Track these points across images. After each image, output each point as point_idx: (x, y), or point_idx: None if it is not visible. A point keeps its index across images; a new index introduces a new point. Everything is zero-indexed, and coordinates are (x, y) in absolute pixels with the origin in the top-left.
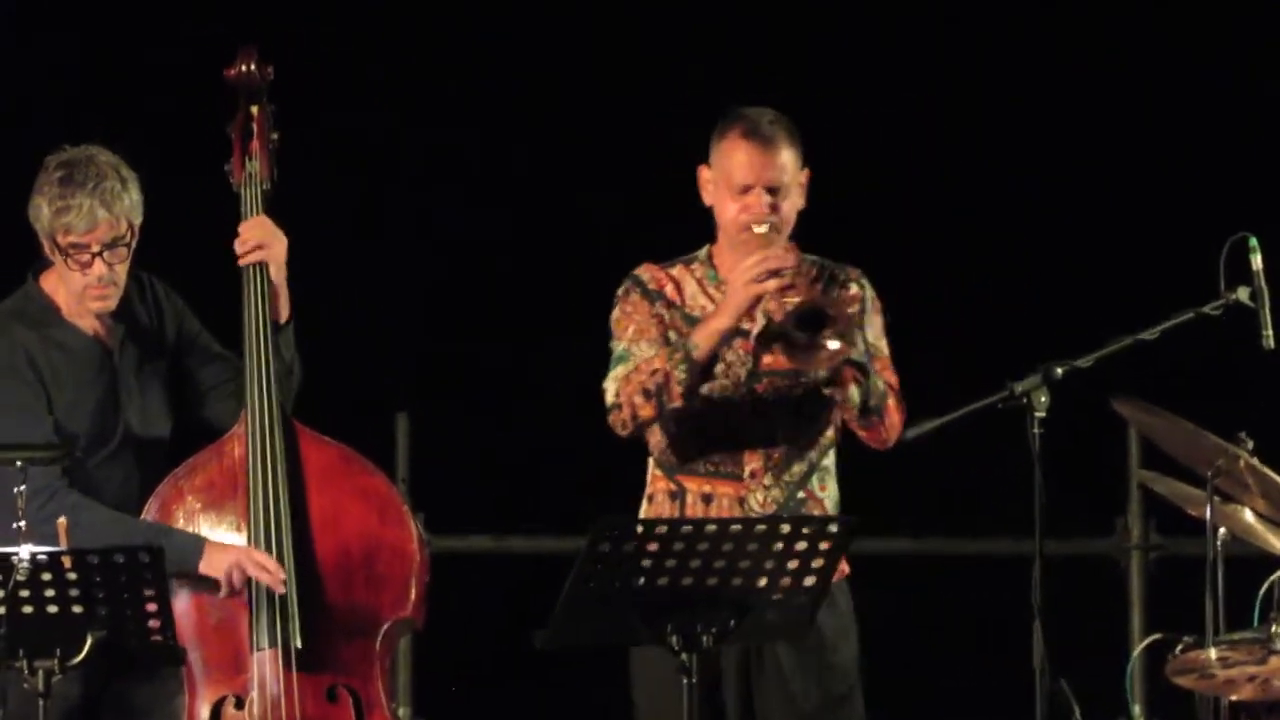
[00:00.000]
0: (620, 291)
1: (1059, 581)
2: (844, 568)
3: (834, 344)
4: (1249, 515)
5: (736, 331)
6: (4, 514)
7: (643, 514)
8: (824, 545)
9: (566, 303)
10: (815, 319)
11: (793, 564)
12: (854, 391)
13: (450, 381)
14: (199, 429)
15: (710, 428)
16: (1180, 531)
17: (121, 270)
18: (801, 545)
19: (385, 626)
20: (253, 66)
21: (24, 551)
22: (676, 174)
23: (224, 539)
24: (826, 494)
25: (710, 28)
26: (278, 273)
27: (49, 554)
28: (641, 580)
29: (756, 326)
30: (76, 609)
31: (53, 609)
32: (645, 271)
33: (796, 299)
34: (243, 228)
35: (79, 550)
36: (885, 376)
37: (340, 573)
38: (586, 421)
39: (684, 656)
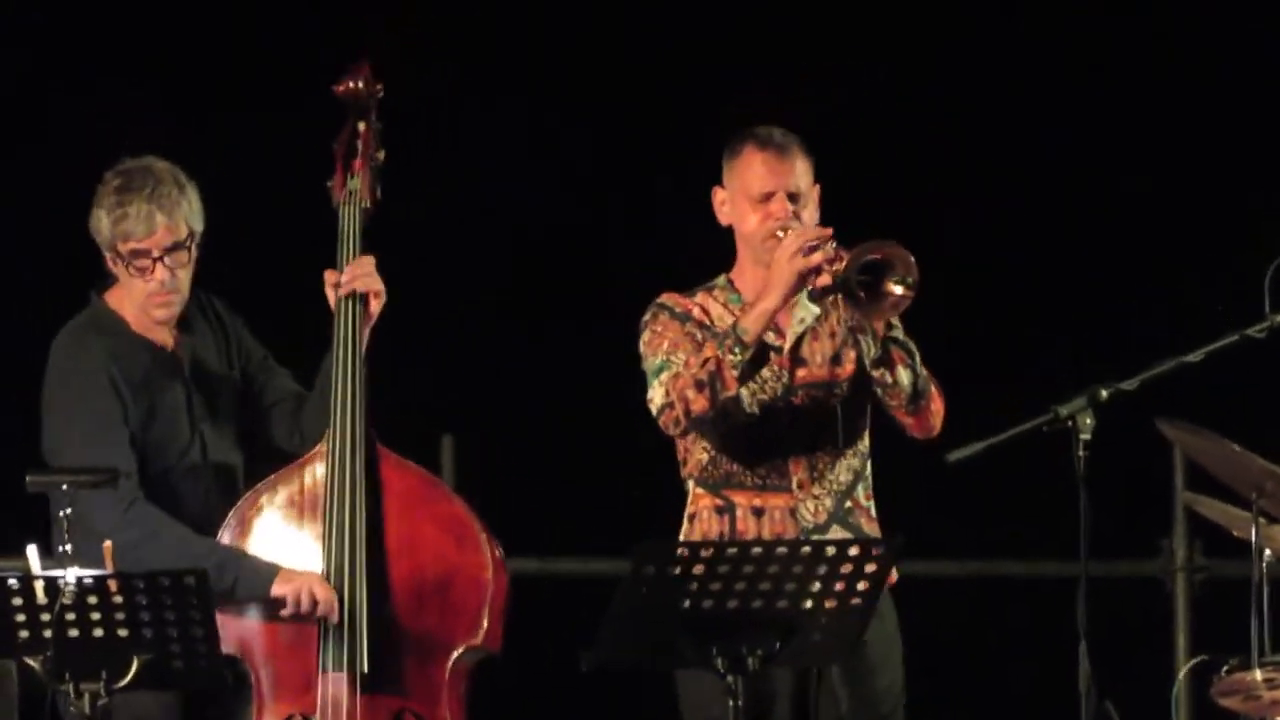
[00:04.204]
0: (647, 317)
1: (1104, 603)
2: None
3: (898, 289)
4: None
5: (770, 350)
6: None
7: (684, 534)
8: (870, 567)
9: (608, 324)
10: (875, 269)
11: (839, 585)
12: (903, 374)
13: (496, 404)
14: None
15: (752, 442)
16: (1225, 553)
17: (184, 276)
18: (847, 567)
19: (456, 654)
20: (362, 83)
21: (70, 575)
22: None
23: (301, 557)
24: (870, 503)
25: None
26: (377, 309)
27: (95, 577)
28: (686, 603)
29: (788, 342)
30: (122, 632)
31: (99, 632)
32: (669, 299)
33: (841, 268)
34: (353, 264)
35: (125, 574)
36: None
37: (413, 598)
38: (633, 443)
39: (729, 679)
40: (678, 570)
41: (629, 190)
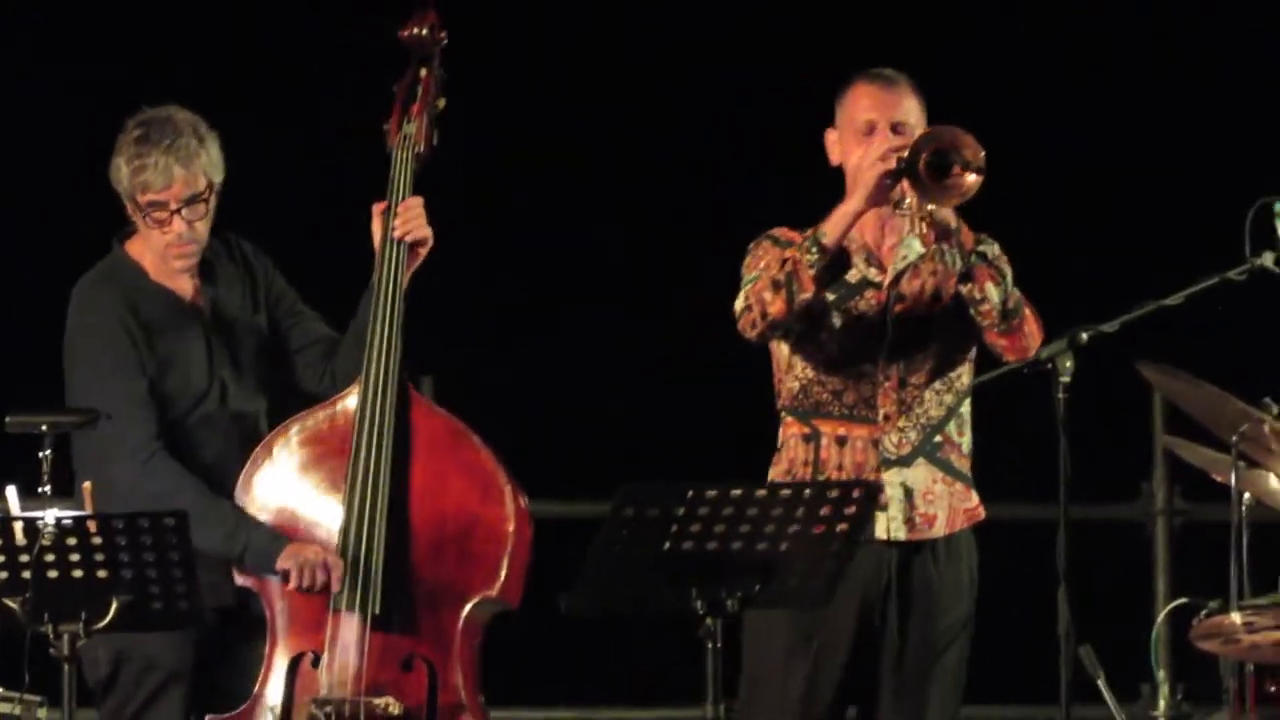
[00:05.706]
0: (751, 245)
1: (1084, 547)
2: (979, 511)
3: (965, 173)
4: (1273, 480)
5: (865, 275)
6: (86, 472)
7: (772, 463)
8: (849, 510)
9: (591, 266)
10: (941, 154)
11: (817, 528)
12: (992, 290)
13: (476, 345)
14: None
15: (845, 372)
16: (1205, 497)
17: (202, 227)
18: (826, 510)
19: (471, 603)
20: (427, 29)
21: (49, 516)
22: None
23: (323, 495)
24: (964, 440)
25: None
26: (423, 254)
27: (74, 519)
28: (666, 545)
29: (889, 276)
30: (101, 573)
31: (78, 573)
32: (778, 230)
33: (904, 154)
34: (404, 209)
35: (104, 515)
36: None
37: (432, 544)
38: (616, 385)
39: (709, 621)
40: (657, 512)
41: (622, 126)
